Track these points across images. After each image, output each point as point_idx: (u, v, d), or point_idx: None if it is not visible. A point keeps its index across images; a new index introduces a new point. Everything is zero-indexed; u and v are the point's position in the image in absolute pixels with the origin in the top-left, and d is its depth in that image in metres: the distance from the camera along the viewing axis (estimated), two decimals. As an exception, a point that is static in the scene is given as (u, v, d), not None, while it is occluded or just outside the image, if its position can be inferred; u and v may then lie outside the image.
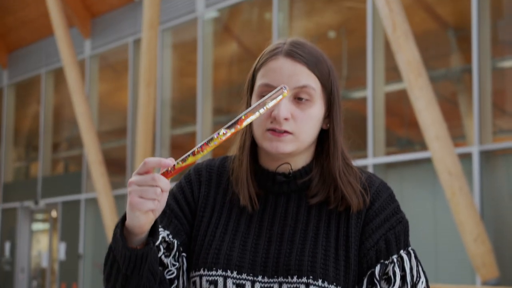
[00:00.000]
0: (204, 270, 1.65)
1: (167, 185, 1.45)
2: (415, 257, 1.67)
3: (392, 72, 9.09)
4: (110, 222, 12.03)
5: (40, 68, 15.92)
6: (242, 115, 1.48)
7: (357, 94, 9.95)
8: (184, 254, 1.69)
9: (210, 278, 1.63)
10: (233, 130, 1.47)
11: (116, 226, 1.52)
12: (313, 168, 1.70)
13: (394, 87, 9.47)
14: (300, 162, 1.70)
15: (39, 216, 16.98)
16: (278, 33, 10.53)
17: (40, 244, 16.80)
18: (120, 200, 12.70)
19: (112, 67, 14.76)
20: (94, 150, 12.50)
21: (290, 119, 1.62)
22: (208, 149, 1.46)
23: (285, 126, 1.62)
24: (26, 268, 16.60)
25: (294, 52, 1.65)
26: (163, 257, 1.65)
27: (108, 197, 12.29)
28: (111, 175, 12.87)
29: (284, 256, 1.63)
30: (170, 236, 1.68)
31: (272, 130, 1.62)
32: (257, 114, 1.49)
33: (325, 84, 1.67)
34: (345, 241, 1.65)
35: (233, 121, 1.48)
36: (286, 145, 1.63)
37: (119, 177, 13.47)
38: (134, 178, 1.45)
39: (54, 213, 15.69)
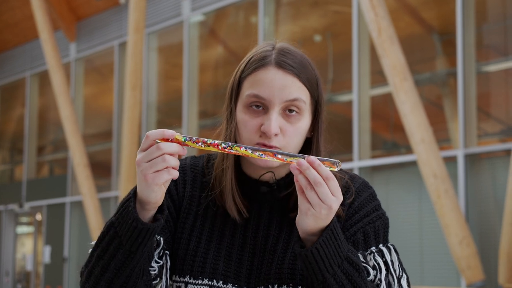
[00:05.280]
0: (190, 278, 1.65)
1: (174, 148, 1.44)
2: (395, 252, 1.66)
3: (378, 76, 9.12)
4: (95, 225, 11.99)
5: (25, 71, 15.86)
6: (277, 151, 1.48)
7: (343, 98, 9.97)
8: (167, 252, 1.67)
9: (196, 287, 1.64)
10: (249, 152, 1.48)
11: (128, 201, 1.49)
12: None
13: (379, 90, 9.50)
14: (283, 170, 1.68)
15: (24, 219, 16.91)
16: (264, 37, 10.54)
17: (25, 247, 16.72)
18: (105, 203, 12.66)
19: (98, 70, 14.73)
20: (79, 153, 12.47)
21: (279, 134, 1.59)
22: (212, 149, 1.47)
23: (274, 142, 1.58)
24: (10, 271, 16.52)
25: (285, 63, 1.61)
26: None
27: (94, 200, 12.25)
28: (97, 178, 12.84)
29: (266, 266, 1.64)
30: None
31: (261, 145, 1.59)
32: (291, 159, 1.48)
33: (314, 94, 1.64)
34: None
35: (261, 149, 1.49)
36: (274, 161, 1.59)
37: (105, 180, 13.44)
38: (139, 156, 1.44)
39: (38, 216, 15.63)
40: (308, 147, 1.68)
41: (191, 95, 11.75)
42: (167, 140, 1.45)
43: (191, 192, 1.73)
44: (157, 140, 1.45)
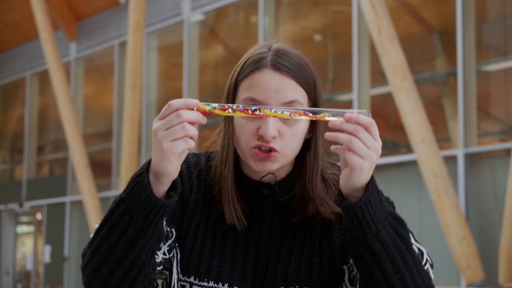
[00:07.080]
0: (195, 279, 1.63)
1: (195, 115, 1.39)
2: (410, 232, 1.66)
3: (378, 76, 9.12)
4: (95, 224, 11.99)
5: (25, 71, 15.86)
6: (307, 109, 1.46)
7: (343, 97, 9.98)
8: (176, 244, 1.64)
9: None
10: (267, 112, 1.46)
11: (141, 175, 1.43)
12: (296, 179, 1.67)
13: (379, 90, 9.50)
14: (283, 171, 1.66)
15: (24, 218, 16.91)
16: (264, 36, 10.53)
17: (25, 246, 16.73)
18: (105, 203, 12.66)
19: (98, 70, 14.73)
20: (79, 153, 12.47)
21: (277, 136, 1.56)
22: (239, 114, 1.45)
23: (272, 144, 1.56)
24: (10, 270, 16.52)
25: (281, 65, 1.58)
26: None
27: (94, 199, 12.26)
28: (97, 178, 12.84)
29: (271, 269, 1.63)
30: (165, 224, 1.59)
31: (259, 148, 1.57)
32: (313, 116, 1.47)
33: (311, 95, 1.62)
34: (328, 245, 1.65)
35: (288, 108, 1.47)
36: (272, 164, 1.58)
37: (105, 180, 13.44)
38: (157, 124, 1.40)
39: (39, 216, 15.64)
40: (307, 148, 1.66)
41: (191, 94, 11.75)
42: (190, 110, 1.40)
43: (197, 192, 1.69)
44: None
